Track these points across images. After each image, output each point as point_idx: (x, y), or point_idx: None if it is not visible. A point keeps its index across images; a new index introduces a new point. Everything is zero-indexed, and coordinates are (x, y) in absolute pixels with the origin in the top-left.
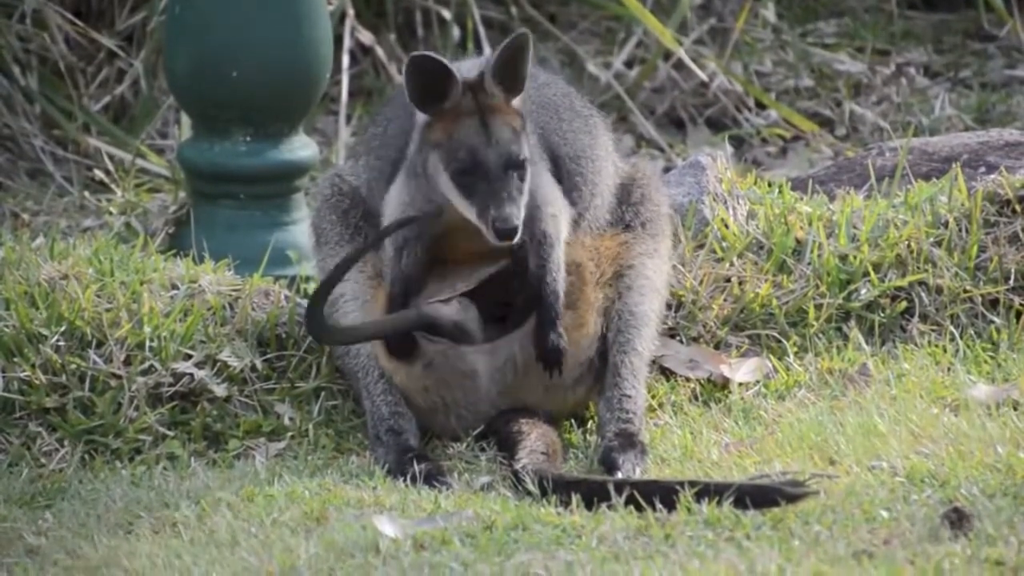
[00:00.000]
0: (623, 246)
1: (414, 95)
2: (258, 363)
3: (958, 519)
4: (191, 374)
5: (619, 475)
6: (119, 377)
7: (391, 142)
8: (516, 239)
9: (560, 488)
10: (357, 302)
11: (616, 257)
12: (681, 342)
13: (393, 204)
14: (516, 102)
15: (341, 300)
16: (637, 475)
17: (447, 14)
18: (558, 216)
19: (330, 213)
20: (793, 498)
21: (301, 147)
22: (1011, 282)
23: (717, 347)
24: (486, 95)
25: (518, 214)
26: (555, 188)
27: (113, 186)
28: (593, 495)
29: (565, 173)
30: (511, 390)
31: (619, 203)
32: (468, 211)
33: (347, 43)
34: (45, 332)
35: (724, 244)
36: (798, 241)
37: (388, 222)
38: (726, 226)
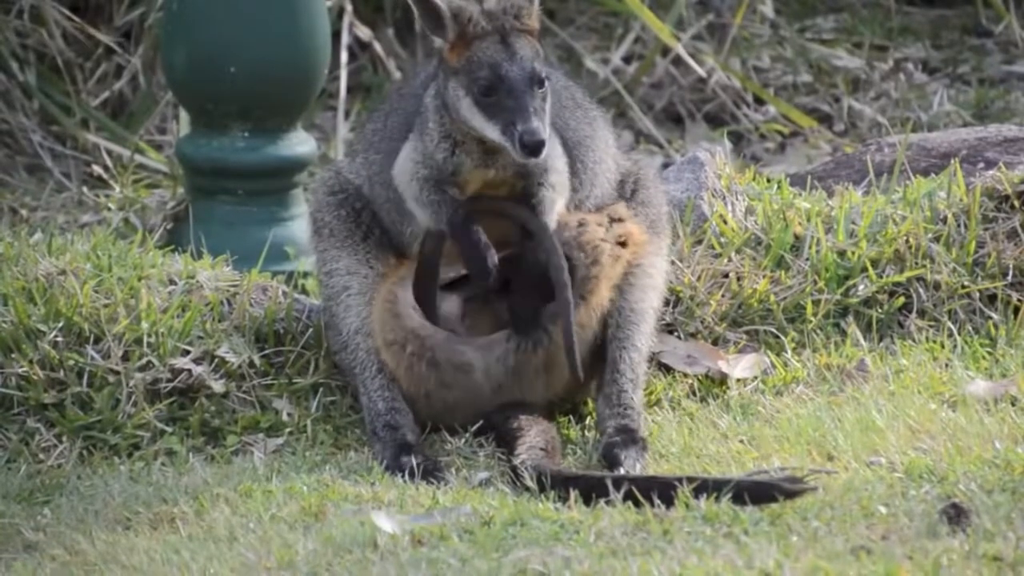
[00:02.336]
0: (638, 246)
1: (424, 22)
2: (256, 359)
3: (956, 515)
4: (189, 370)
5: (621, 471)
6: (117, 373)
7: (393, 135)
8: (542, 155)
9: (558, 484)
10: (364, 297)
11: (630, 258)
12: (679, 338)
13: (401, 166)
14: (534, 23)
15: (345, 294)
16: (638, 471)
17: None
18: (557, 188)
19: (333, 206)
20: (791, 494)
21: (299, 143)
22: (1009, 278)
23: (715, 343)
24: (504, 17)
25: (544, 129)
26: (561, 158)
27: (111, 182)
28: (591, 491)
29: (567, 159)
30: (507, 387)
31: (624, 203)
32: (492, 131)
33: (345, 39)
34: (43, 328)
35: (722, 240)
36: (796, 237)
37: (402, 187)
38: (724, 222)
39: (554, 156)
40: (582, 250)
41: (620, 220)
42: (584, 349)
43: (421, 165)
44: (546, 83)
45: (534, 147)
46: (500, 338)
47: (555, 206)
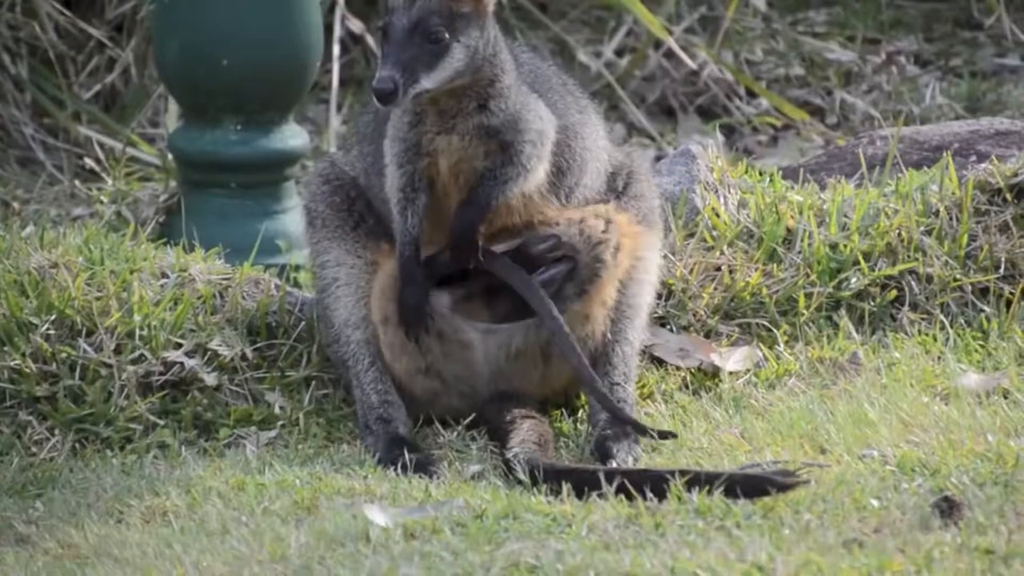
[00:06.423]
0: (633, 238)
1: None
2: (248, 352)
3: (948, 508)
4: (181, 363)
5: (613, 463)
6: (109, 366)
7: (383, 122)
8: (397, 103)
9: (551, 477)
10: (351, 288)
11: (631, 251)
12: (671, 331)
13: (387, 145)
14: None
15: (335, 286)
16: (631, 463)
17: None
18: (537, 144)
19: (327, 195)
20: (784, 487)
21: (292, 136)
22: (1001, 271)
23: (708, 336)
24: None
25: (400, 77)
26: (543, 122)
27: (103, 175)
28: (584, 484)
29: (554, 144)
30: (504, 373)
31: (616, 196)
32: None
33: (337, 32)
34: (35, 321)
35: (715, 233)
36: (788, 230)
37: (390, 164)
38: (717, 215)
39: (529, 119)
40: (586, 243)
41: (612, 221)
42: (592, 340)
43: (394, 141)
44: (442, 40)
45: (376, 94)
46: (504, 328)
47: (533, 157)
